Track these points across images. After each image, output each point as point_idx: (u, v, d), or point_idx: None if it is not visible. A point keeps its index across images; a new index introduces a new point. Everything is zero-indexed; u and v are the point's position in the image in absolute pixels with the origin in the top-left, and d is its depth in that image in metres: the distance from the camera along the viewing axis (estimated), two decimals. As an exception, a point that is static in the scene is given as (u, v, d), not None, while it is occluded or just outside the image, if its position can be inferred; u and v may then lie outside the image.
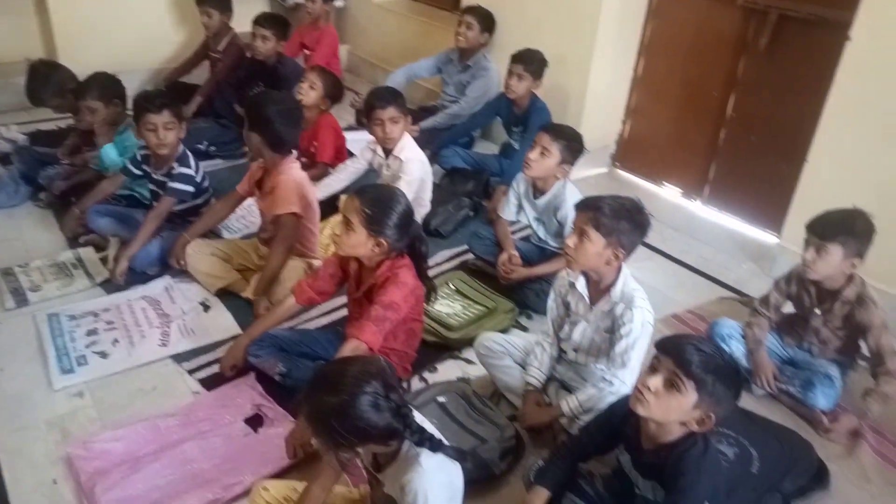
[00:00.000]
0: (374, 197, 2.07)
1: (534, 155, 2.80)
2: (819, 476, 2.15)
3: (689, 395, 1.56)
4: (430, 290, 2.24)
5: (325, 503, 1.72)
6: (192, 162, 2.99)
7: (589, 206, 2.05)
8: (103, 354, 2.48)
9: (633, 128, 4.17)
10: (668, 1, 3.78)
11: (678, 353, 1.58)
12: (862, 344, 2.46)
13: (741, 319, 2.63)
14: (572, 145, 2.82)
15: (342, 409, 1.40)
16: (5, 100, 4.23)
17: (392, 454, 1.53)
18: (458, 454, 1.63)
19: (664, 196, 4.01)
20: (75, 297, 2.77)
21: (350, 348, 1.98)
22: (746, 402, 2.39)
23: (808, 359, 2.54)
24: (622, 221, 2.02)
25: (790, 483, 2.08)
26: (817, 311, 2.44)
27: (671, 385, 1.57)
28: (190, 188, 2.96)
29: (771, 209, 3.41)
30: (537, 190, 2.93)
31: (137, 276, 2.87)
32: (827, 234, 2.27)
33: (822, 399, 2.39)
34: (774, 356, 2.56)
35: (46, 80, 3.37)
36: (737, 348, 2.53)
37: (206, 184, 3.09)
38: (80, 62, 3.84)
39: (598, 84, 3.93)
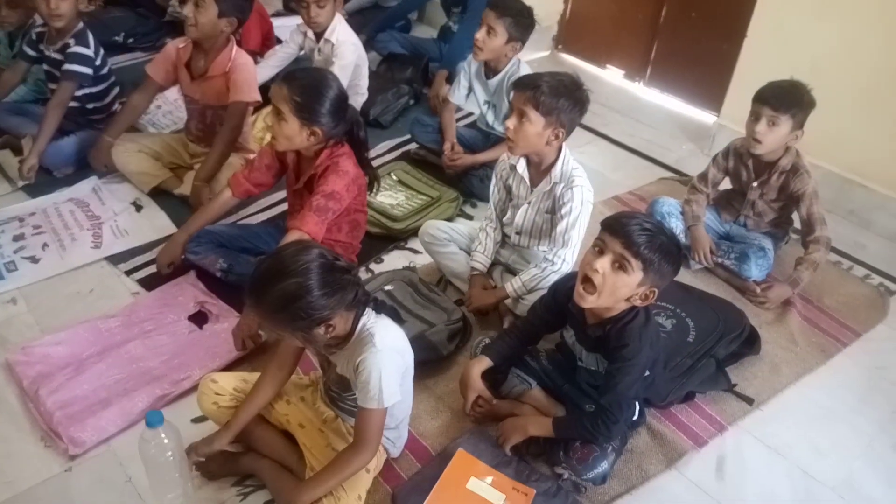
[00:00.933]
0: (304, 83, 1.96)
1: (480, 35, 2.69)
2: (750, 341, 2.25)
3: (636, 275, 1.59)
4: (373, 179, 2.19)
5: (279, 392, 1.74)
6: (90, 41, 2.75)
7: (527, 86, 1.99)
8: (33, 259, 2.38)
9: (575, 7, 4.05)
10: None
11: (626, 234, 1.58)
12: (794, 218, 2.56)
13: (680, 198, 2.67)
14: (521, 21, 2.69)
15: (297, 291, 1.38)
16: None
17: (347, 335, 1.53)
18: (399, 318, 1.65)
19: (607, 78, 3.96)
20: (-3, 203, 2.63)
21: (293, 239, 1.93)
22: (684, 275, 2.47)
23: (743, 233, 2.63)
24: (561, 99, 1.98)
25: (723, 349, 2.19)
26: (754, 184, 2.50)
27: (619, 266, 1.59)
28: (88, 70, 2.73)
29: (711, 88, 3.42)
30: (489, 69, 2.84)
31: (54, 177, 2.73)
32: (781, 106, 2.28)
33: (755, 270, 2.49)
34: (711, 232, 2.63)
35: None
36: (676, 225, 2.58)
37: (106, 70, 2.87)
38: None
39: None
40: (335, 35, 2.95)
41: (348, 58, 2.95)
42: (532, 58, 4.00)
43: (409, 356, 1.64)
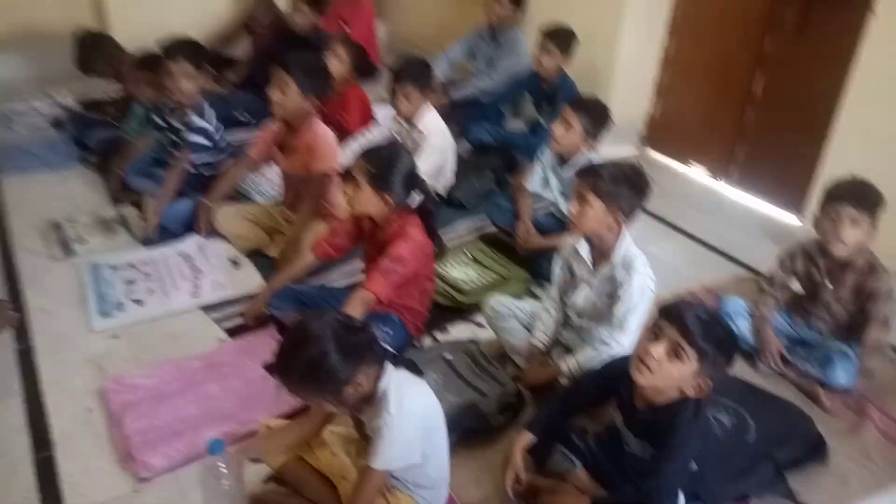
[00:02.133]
0: (378, 156, 2.19)
1: (557, 129, 2.87)
2: (816, 449, 2.17)
3: (690, 364, 1.61)
4: (440, 248, 2.34)
5: (323, 441, 1.83)
6: (208, 115, 3.12)
7: (588, 173, 2.12)
8: (139, 302, 2.67)
9: (663, 107, 4.18)
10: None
11: (682, 322, 1.61)
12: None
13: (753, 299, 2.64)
14: (597, 118, 2.88)
15: (318, 358, 1.46)
16: (57, 67, 4.45)
17: (367, 396, 1.58)
18: (418, 369, 1.66)
19: (691, 176, 4.02)
20: (117, 250, 2.97)
21: (359, 298, 2.11)
22: (752, 378, 2.44)
23: (817, 338, 2.55)
24: (621, 186, 2.09)
25: (785, 453, 2.12)
26: (828, 283, 2.44)
27: (674, 354, 1.62)
28: (205, 141, 3.10)
29: (794, 189, 3.42)
30: (564, 161, 2.99)
31: (170, 233, 3.06)
32: (862, 204, 2.25)
33: (842, 376, 2.38)
34: (783, 336, 2.57)
35: (94, 49, 3.59)
36: (743, 326, 2.56)
37: (222, 141, 3.22)
38: (129, 33, 4.05)
39: (626, 62, 3.96)
40: (423, 122, 3.21)
41: (435, 144, 3.19)
42: (618, 152, 4.13)
43: (435, 417, 1.68)
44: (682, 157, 4.10)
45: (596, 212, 2.10)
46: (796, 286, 2.61)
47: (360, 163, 2.17)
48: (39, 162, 3.56)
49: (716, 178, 3.93)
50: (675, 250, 3.29)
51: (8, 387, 2.24)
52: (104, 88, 3.99)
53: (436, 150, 3.19)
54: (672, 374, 1.64)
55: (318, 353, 1.46)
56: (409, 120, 3.25)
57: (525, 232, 3.00)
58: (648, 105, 4.22)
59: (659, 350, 1.63)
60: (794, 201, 3.45)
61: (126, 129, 3.47)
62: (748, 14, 3.55)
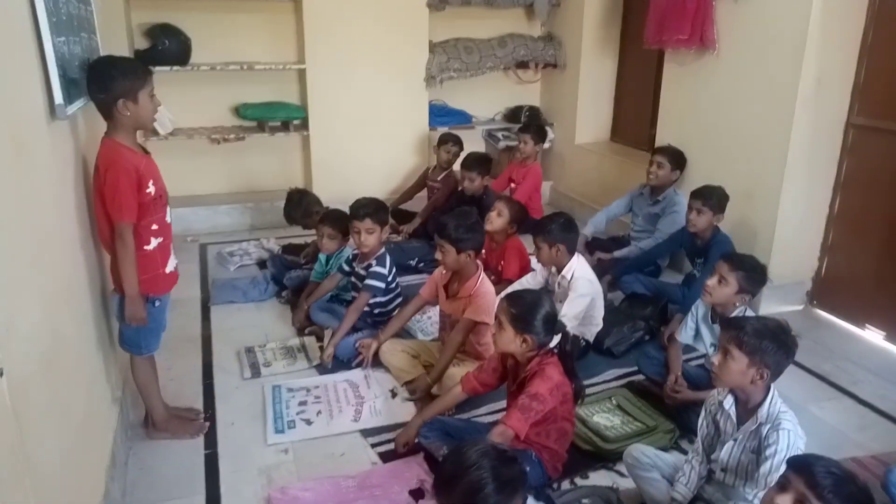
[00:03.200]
0: (520, 300, 2.40)
1: (711, 282, 2.93)
2: None
3: None
4: (579, 390, 2.44)
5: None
6: (387, 263, 3.54)
7: (732, 325, 2.16)
8: (308, 422, 2.98)
9: (831, 265, 4.05)
10: (865, 138, 3.78)
11: (810, 474, 1.59)
12: None
13: (931, 470, 2.42)
14: (752, 276, 2.90)
15: (477, 484, 1.59)
16: (270, 219, 5.32)
17: None
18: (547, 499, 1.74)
19: (865, 339, 3.78)
20: (296, 375, 3.36)
21: (497, 432, 2.25)
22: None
23: None
24: (765, 341, 2.10)
25: None
26: None
27: None
28: (381, 285, 3.49)
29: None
30: (717, 315, 3.02)
31: (342, 363, 3.42)
32: None
33: None
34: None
35: (298, 204, 4.30)
36: (916, 498, 2.35)
37: (395, 285, 3.62)
38: (327, 190, 4.77)
39: (788, 219, 3.94)
40: (572, 271, 3.42)
41: (581, 291, 3.36)
42: (783, 310, 4.03)
43: None
44: (854, 317, 3.89)
45: (739, 365, 2.12)
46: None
47: (503, 305, 2.40)
48: (243, 296, 4.17)
49: (892, 342, 3.66)
50: (841, 413, 3.08)
51: (194, 486, 2.59)
52: (302, 236, 4.69)
53: (582, 296, 3.35)
54: None
55: (477, 480, 1.59)
56: (559, 268, 3.47)
57: (674, 383, 2.99)
58: (816, 263, 4.11)
59: (785, 500, 1.59)
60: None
61: (314, 272, 4.01)
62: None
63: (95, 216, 2.49)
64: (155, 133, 5.06)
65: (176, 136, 5.23)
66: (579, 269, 3.44)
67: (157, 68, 4.67)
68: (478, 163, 4.92)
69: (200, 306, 4.10)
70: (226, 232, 5.37)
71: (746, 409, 2.22)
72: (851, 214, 3.91)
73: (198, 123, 5.46)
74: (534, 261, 3.86)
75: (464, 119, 6.10)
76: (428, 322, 3.84)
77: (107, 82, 2.35)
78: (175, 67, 4.96)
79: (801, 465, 1.64)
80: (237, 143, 5.45)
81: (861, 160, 3.81)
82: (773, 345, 2.11)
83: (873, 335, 3.77)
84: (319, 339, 3.66)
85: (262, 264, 4.68)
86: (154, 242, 2.54)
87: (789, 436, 2.09)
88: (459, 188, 5.03)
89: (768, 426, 2.14)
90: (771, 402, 2.17)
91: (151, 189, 2.46)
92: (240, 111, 5.49)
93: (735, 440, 2.24)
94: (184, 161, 5.32)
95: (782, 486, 1.65)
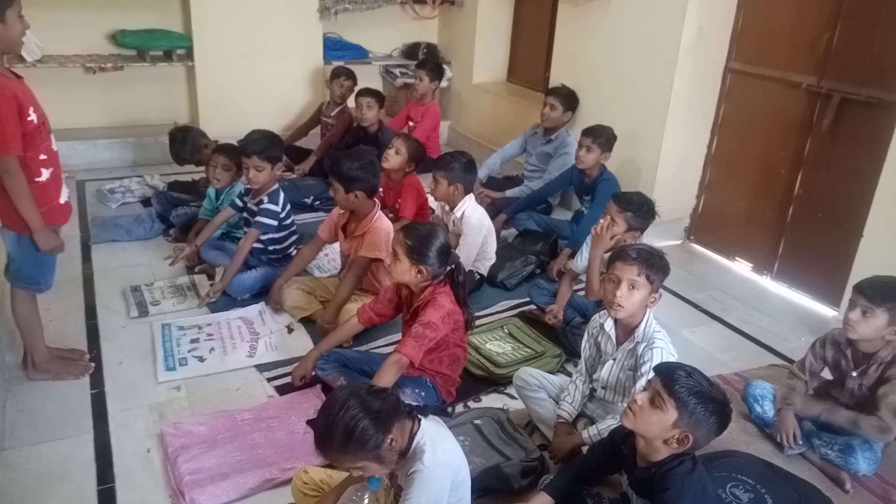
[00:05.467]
0: (415, 232, 2.44)
1: (602, 223, 3.03)
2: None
3: (669, 413, 1.74)
4: (469, 318, 2.53)
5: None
6: (280, 200, 3.45)
7: (643, 260, 2.27)
8: (201, 359, 2.93)
9: (707, 202, 4.33)
10: (740, 86, 4.02)
11: (667, 375, 1.77)
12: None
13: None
14: (640, 213, 3.04)
15: (351, 422, 1.61)
16: (154, 155, 5.04)
17: (403, 451, 1.74)
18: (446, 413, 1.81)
19: (735, 270, 4.11)
20: (186, 313, 3.27)
21: (392, 361, 2.30)
22: (776, 460, 2.47)
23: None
24: (660, 272, 2.28)
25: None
26: (854, 373, 2.50)
27: (654, 402, 1.76)
28: (273, 222, 3.42)
29: (832, 283, 3.47)
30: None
31: (234, 301, 3.36)
32: (876, 298, 2.35)
33: (863, 463, 2.43)
34: (808, 421, 2.58)
35: (184, 142, 4.11)
36: (769, 409, 2.62)
37: (288, 222, 3.55)
38: (216, 125, 4.55)
39: (670, 159, 4.17)
40: (462, 210, 3.52)
41: (472, 227, 3.47)
42: (663, 245, 4.28)
43: (463, 472, 1.84)
44: (727, 251, 4.21)
45: (643, 296, 2.26)
46: (825, 373, 2.66)
47: (399, 237, 2.43)
48: (127, 234, 3.98)
49: (759, 274, 4.00)
50: (710, 337, 3.37)
51: (81, 425, 2.50)
52: (190, 173, 4.48)
53: (473, 231, 3.46)
54: (651, 420, 1.77)
55: (350, 419, 1.61)
56: (451, 207, 3.55)
57: (552, 314, 3.18)
58: (694, 201, 4.38)
59: (642, 397, 1.78)
60: (831, 294, 3.49)
61: (203, 209, 3.87)
62: (789, 118, 3.74)
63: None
64: (21, 60, 4.62)
65: (46, 63, 4.80)
66: (470, 208, 3.52)
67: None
68: (374, 92, 4.86)
69: (80, 245, 3.87)
70: (105, 168, 5.04)
71: (625, 331, 2.39)
72: (727, 155, 4.18)
73: (71, 51, 5.02)
74: (432, 200, 3.90)
75: (360, 54, 5.97)
76: (325, 259, 3.82)
77: None
78: (42, -14, 4.51)
79: (661, 368, 1.84)
80: (115, 72, 5.07)
81: (737, 104, 4.06)
82: (662, 272, 2.30)
83: (742, 267, 4.11)
84: (211, 277, 3.57)
85: (146, 202, 4.46)
86: (45, 173, 2.41)
87: (662, 353, 2.27)
88: (354, 123, 4.94)
89: (644, 345, 2.31)
90: (647, 323, 2.34)
91: (33, 116, 2.30)
92: (118, 38, 5.09)
93: (615, 359, 2.41)
94: (56, 91, 4.84)
95: (644, 387, 1.84)
